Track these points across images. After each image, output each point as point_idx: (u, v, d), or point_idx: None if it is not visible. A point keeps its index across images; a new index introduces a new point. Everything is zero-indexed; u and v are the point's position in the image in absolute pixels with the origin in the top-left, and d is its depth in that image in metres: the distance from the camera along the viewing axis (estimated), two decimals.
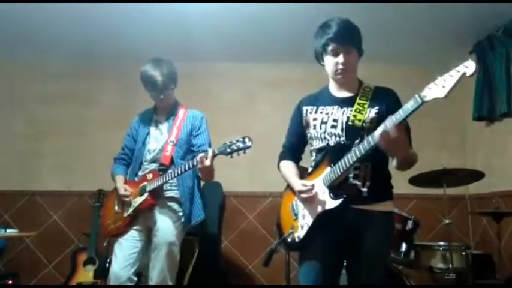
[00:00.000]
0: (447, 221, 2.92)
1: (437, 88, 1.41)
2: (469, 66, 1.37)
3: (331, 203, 1.74)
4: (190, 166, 2.37)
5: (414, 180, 3.06)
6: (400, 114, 1.52)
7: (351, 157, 1.70)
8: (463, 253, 2.90)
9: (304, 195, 1.81)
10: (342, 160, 1.72)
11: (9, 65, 4.27)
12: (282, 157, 2.08)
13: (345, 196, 1.72)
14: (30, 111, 4.25)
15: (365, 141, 1.66)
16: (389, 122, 1.54)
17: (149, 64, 2.55)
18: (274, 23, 3.42)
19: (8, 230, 3.18)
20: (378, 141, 1.59)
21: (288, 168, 2.01)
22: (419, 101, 1.46)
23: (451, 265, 2.83)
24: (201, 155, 2.30)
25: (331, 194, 1.75)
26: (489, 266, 3.09)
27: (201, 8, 3.20)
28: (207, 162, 2.28)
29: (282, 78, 4.21)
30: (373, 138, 1.62)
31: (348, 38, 1.82)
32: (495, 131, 3.62)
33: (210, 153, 2.28)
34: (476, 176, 3.05)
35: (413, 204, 3.89)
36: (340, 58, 1.82)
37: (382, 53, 3.83)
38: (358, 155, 1.67)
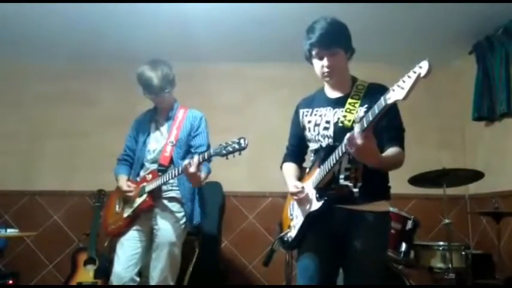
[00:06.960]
0: (447, 221, 2.93)
1: (399, 90, 1.38)
2: (423, 67, 1.33)
3: (315, 205, 1.76)
4: (180, 172, 2.37)
5: (414, 180, 3.07)
6: (368, 117, 1.48)
7: (331, 159, 1.70)
8: (463, 253, 2.91)
9: (295, 197, 1.85)
10: (326, 162, 1.73)
11: (9, 65, 4.26)
12: (284, 159, 2.11)
13: (326, 198, 1.73)
14: (30, 111, 4.26)
15: (342, 145, 1.61)
16: (356, 128, 1.50)
17: (145, 66, 2.53)
18: (274, 23, 3.42)
19: (8, 230, 3.17)
20: (347, 148, 1.56)
21: (287, 170, 2.05)
22: (383, 103, 1.43)
23: (450, 265, 2.84)
24: (186, 162, 2.30)
25: (317, 195, 1.77)
26: (489, 266, 3.08)
27: (201, 8, 3.20)
28: (192, 170, 2.27)
29: (282, 78, 4.21)
30: (343, 144, 1.59)
31: (330, 41, 1.80)
32: (495, 131, 3.62)
33: (195, 160, 2.28)
34: (476, 176, 3.06)
35: (413, 204, 3.89)
36: (325, 61, 1.82)
37: (382, 52, 3.83)
38: (337, 158, 1.66)
